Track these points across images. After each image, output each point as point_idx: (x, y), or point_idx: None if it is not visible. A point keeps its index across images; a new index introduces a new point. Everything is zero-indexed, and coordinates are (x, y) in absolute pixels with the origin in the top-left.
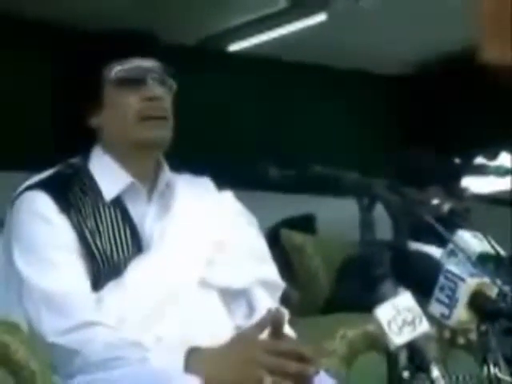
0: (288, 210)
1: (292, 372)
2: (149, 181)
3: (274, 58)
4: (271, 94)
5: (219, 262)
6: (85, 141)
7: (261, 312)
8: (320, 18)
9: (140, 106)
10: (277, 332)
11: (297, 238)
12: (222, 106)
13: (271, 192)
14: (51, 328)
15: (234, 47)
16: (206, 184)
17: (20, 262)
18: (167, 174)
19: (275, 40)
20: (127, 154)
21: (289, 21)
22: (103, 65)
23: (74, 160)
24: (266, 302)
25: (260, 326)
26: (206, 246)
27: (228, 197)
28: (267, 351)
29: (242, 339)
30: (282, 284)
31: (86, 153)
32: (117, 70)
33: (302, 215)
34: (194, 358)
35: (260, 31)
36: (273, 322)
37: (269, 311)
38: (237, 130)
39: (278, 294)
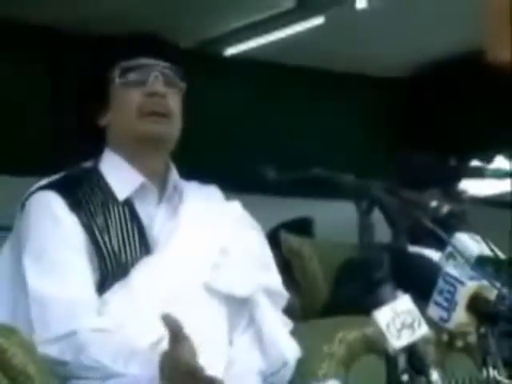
0: (286, 213)
1: None
2: (159, 182)
3: (273, 60)
4: (270, 97)
5: (223, 267)
6: (98, 143)
7: (258, 324)
8: (318, 21)
9: (141, 101)
10: (175, 337)
11: (295, 241)
12: (220, 108)
13: (269, 195)
14: (43, 335)
15: (233, 50)
16: (213, 192)
17: (27, 262)
18: (175, 176)
19: (274, 43)
20: (133, 152)
21: (287, 24)
22: (111, 66)
23: (86, 163)
24: (268, 314)
25: (171, 338)
26: (212, 251)
27: (235, 205)
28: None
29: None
30: (285, 294)
31: (97, 156)
32: (122, 68)
33: (300, 218)
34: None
35: (258, 34)
36: (169, 328)
37: (163, 318)
38: (235, 133)
39: (282, 303)
